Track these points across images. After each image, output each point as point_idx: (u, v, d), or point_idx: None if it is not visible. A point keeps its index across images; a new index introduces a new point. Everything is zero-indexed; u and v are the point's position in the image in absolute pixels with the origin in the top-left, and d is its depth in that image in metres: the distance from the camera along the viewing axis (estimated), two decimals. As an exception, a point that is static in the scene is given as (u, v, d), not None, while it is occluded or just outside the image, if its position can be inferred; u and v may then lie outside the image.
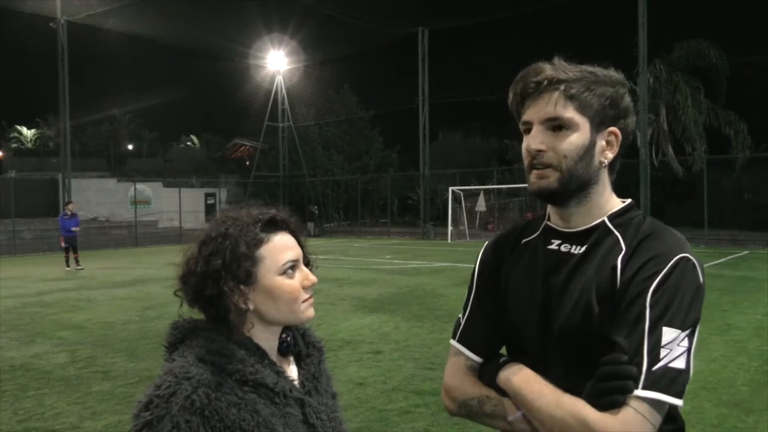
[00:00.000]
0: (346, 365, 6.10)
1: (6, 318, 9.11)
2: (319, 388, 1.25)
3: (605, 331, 1.11)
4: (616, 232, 1.20)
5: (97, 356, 6.66)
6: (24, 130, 55.43)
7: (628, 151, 1.26)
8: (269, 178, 36.58)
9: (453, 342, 1.34)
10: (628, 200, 1.27)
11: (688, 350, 1.06)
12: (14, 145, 53.01)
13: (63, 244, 16.65)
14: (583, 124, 1.18)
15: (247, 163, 47.32)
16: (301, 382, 1.23)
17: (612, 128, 1.21)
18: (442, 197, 30.73)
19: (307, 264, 1.24)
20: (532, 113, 1.19)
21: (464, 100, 31.83)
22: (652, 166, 23.09)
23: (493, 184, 29.27)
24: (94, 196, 29.08)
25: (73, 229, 16.33)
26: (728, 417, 4.52)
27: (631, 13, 22.34)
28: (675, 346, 1.05)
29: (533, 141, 1.19)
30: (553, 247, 1.25)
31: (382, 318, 8.66)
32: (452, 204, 27.76)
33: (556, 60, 1.21)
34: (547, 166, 1.18)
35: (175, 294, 1.18)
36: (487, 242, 1.41)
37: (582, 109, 1.17)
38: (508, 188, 28.50)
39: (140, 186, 31.11)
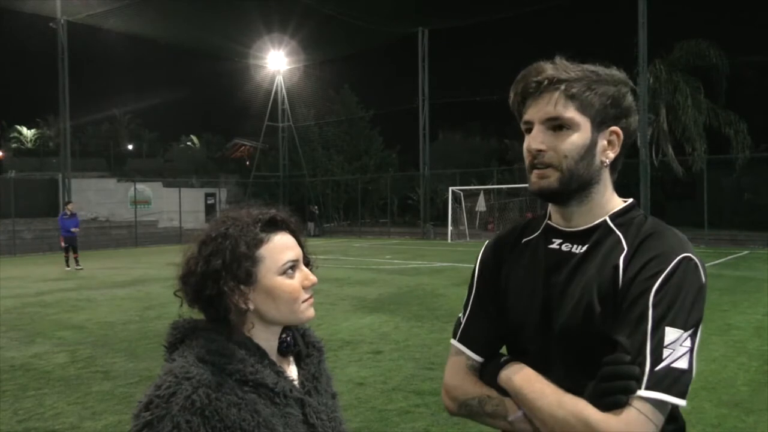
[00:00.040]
0: (346, 365, 6.10)
1: (6, 318, 9.11)
2: (319, 388, 1.25)
3: (607, 331, 1.10)
4: (618, 232, 1.20)
5: (97, 356, 6.66)
6: (24, 130, 55.45)
7: (628, 150, 1.26)
8: (269, 178, 36.59)
9: (453, 341, 1.33)
10: (630, 200, 1.27)
11: (691, 350, 1.06)
12: (14, 145, 53.03)
13: (63, 244, 16.65)
14: (584, 123, 1.17)
15: (247, 163, 47.33)
16: (301, 382, 1.23)
17: (614, 128, 1.21)
18: (442, 197, 30.74)
19: (307, 264, 1.24)
20: (533, 113, 1.19)
21: (464, 100, 31.87)
22: (652, 166, 23.09)
23: (493, 184, 29.28)
24: (94, 196, 29.09)
25: (73, 230, 16.32)
26: (728, 417, 4.52)
27: (631, 13, 22.36)
28: (678, 346, 1.05)
29: (534, 141, 1.19)
30: (554, 246, 1.25)
31: (382, 318, 8.65)
32: (452, 204, 27.76)
33: (558, 59, 1.21)
34: (548, 165, 1.18)
35: (175, 294, 1.17)
36: (487, 242, 1.41)
37: (583, 108, 1.17)
38: (508, 188, 28.52)
39: (140, 186, 31.12)
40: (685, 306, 1.07)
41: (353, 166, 37.00)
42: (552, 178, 1.18)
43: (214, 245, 1.14)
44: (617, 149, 1.22)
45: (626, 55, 22.31)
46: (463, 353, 1.30)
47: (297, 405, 1.17)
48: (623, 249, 1.16)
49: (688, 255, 1.11)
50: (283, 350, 1.24)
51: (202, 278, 1.13)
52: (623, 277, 1.13)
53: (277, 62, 34.26)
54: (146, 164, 47.31)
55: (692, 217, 22.58)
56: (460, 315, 1.36)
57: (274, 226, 1.20)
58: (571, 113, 1.16)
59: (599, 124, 1.19)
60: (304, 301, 1.19)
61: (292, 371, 1.24)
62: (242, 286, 1.13)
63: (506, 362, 1.23)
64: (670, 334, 1.05)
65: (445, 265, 16.00)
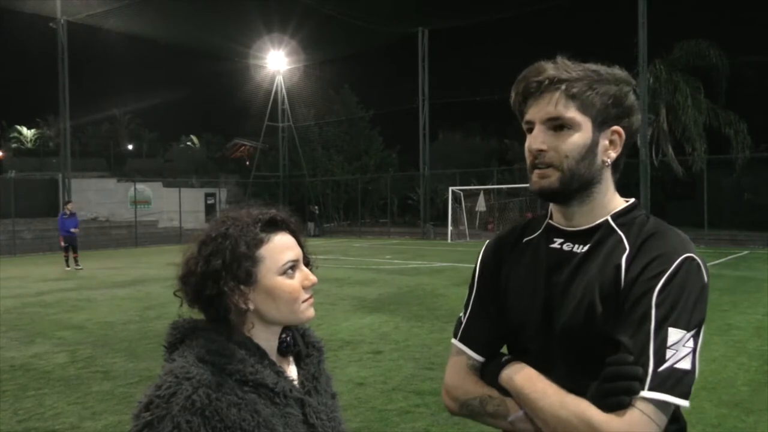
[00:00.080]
0: (346, 365, 6.10)
1: (6, 318, 9.10)
2: (319, 388, 1.25)
3: (608, 331, 1.10)
4: (620, 232, 1.19)
5: (97, 356, 6.66)
6: (24, 130, 55.46)
7: (629, 150, 1.25)
8: (269, 178, 36.59)
9: (454, 341, 1.33)
10: (632, 200, 1.26)
11: (694, 351, 1.06)
12: (14, 145, 53.04)
13: (62, 244, 16.64)
14: (585, 123, 1.17)
15: (247, 163, 47.33)
16: (301, 382, 1.23)
17: (615, 127, 1.20)
18: (442, 197, 30.74)
19: (307, 264, 1.24)
20: (534, 113, 1.19)
21: (464, 100, 31.86)
22: (652, 166, 23.10)
23: (493, 184, 29.28)
24: (94, 196, 29.09)
25: (72, 230, 16.32)
26: (728, 417, 4.52)
27: (631, 13, 22.37)
28: (680, 347, 1.05)
29: (534, 141, 1.18)
30: (556, 245, 1.25)
31: (382, 318, 8.65)
32: (452, 204, 27.76)
33: (559, 59, 1.20)
34: (549, 165, 1.18)
35: (175, 294, 1.17)
36: (487, 242, 1.40)
37: (584, 108, 1.17)
38: (508, 188, 28.52)
39: (140, 186, 31.12)
40: (687, 306, 1.07)
41: (353, 166, 37.00)
42: (553, 178, 1.18)
43: (214, 245, 1.14)
44: (619, 149, 1.22)
45: (626, 55, 22.36)
46: (463, 353, 1.30)
47: (297, 405, 1.16)
48: (625, 249, 1.16)
49: (690, 255, 1.11)
50: (283, 350, 1.24)
51: (202, 278, 1.12)
52: (625, 277, 1.12)
53: (277, 62, 34.26)
54: (146, 164, 47.32)
55: (692, 217, 22.58)
56: (461, 315, 1.36)
57: (274, 226, 1.19)
58: (571, 113, 1.16)
59: (600, 123, 1.19)
60: (304, 301, 1.19)
61: (292, 371, 1.24)
62: (242, 286, 1.13)
63: (507, 362, 1.23)
64: (673, 334, 1.05)
65: (445, 265, 16.00)
